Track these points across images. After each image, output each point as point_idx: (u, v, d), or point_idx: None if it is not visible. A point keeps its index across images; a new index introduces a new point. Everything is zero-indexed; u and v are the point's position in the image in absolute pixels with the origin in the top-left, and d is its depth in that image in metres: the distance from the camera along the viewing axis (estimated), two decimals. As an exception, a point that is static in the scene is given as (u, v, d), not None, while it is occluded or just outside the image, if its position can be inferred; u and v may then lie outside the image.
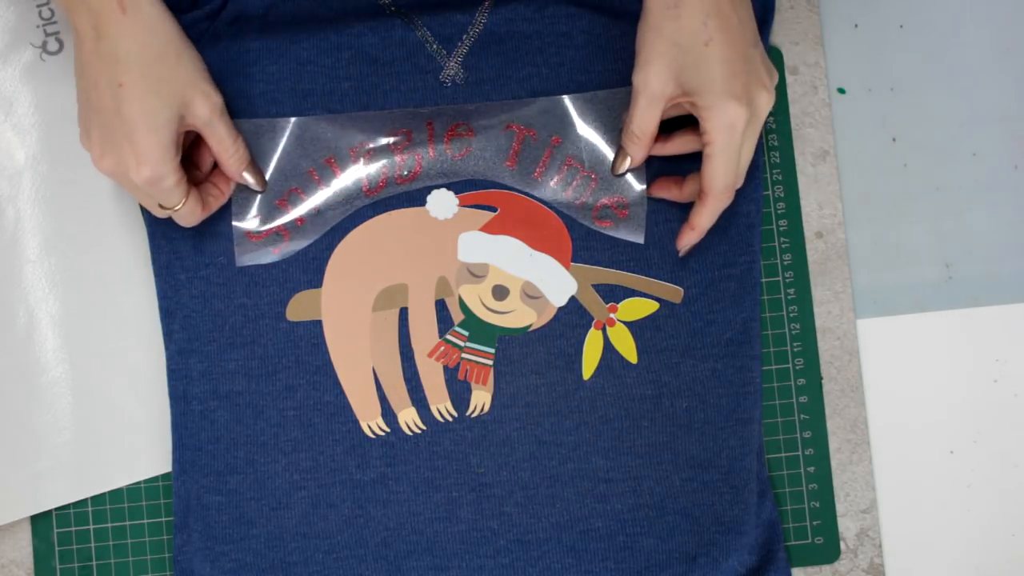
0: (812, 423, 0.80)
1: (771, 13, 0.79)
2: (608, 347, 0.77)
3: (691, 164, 0.73)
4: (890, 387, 0.81)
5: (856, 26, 0.82)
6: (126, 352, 0.79)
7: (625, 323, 0.77)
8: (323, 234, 0.77)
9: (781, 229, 0.81)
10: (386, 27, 0.77)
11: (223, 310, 0.77)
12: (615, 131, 0.76)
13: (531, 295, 0.77)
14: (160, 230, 0.77)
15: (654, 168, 0.77)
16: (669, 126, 0.75)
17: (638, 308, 0.77)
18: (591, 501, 0.77)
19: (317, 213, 0.77)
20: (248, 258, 0.76)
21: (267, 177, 0.76)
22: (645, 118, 0.71)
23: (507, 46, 0.77)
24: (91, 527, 0.78)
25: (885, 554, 0.80)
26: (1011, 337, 0.81)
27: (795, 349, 0.80)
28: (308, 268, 0.77)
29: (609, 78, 0.77)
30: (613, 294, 0.77)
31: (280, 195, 0.76)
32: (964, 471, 0.81)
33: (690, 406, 0.77)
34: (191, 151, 0.74)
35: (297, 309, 0.77)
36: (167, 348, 0.77)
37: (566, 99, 0.76)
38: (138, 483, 0.79)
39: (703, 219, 0.72)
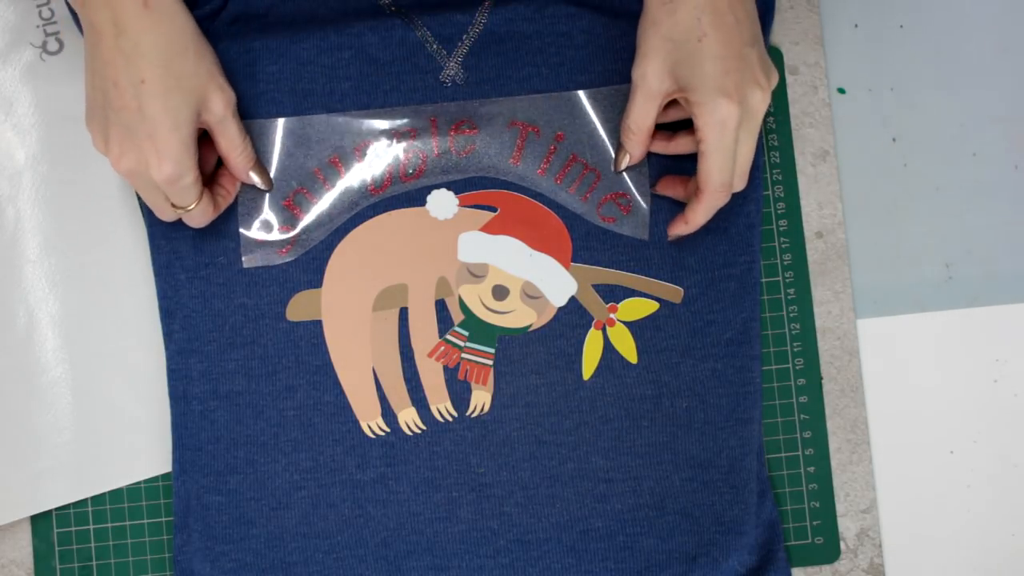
0: (812, 423, 0.80)
1: (771, 13, 0.79)
2: (608, 347, 0.77)
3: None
4: (890, 387, 0.81)
5: (856, 26, 0.82)
6: (126, 352, 0.79)
7: (625, 323, 0.77)
8: (329, 235, 0.77)
9: (781, 229, 0.81)
10: (386, 27, 0.77)
11: (223, 310, 0.77)
12: None
13: (531, 295, 0.77)
14: (160, 230, 0.77)
15: (661, 166, 0.77)
16: (675, 127, 0.75)
17: (638, 308, 0.77)
18: (591, 501, 0.77)
19: (323, 213, 0.77)
20: (254, 259, 0.76)
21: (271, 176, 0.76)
22: (641, 113, 0.71)
23: (507, 46, 0.77)
24: (91, 527, 0.78)
25: (885, 554, 0.80)
26: (1011, 337, 0.81)
27: (795, 349, 0.80)
28: (308, 268, 0.77)
29: (609, 78, 0.77)
30: (613, 294, 0.77)
31: (286, 196, 0.76)
32: (964, 471, 0.81)
33: (690, 406, 0.77)
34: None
35: (297, 309, 0.77)
36: (167, 348, 0.77)
37: (581, 94, 0.76)
38: (138, 483, 0.79)
39: (697, 215, 0.72)
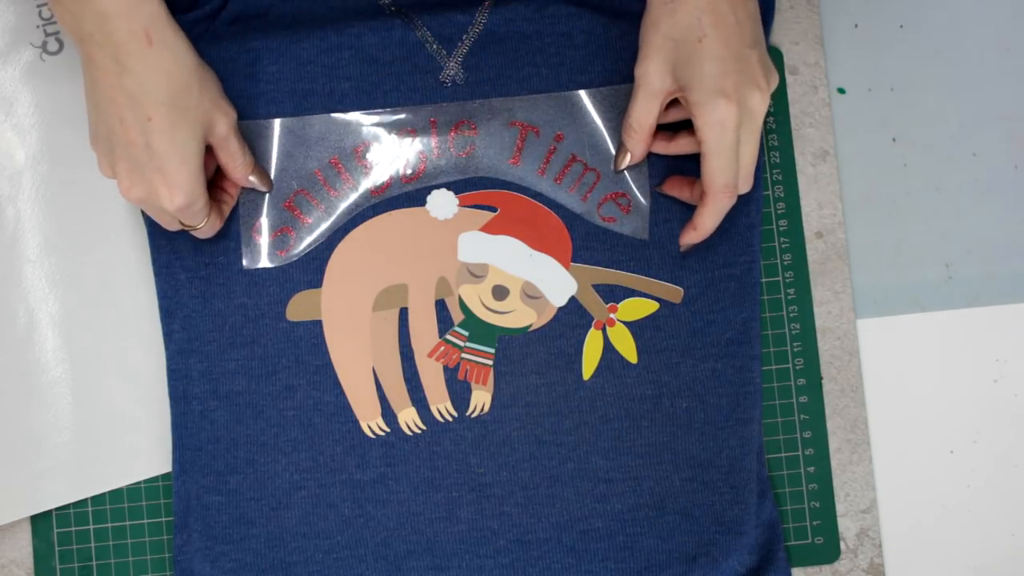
0: (812, 423, 0.80)
1: (771, 13, 0.79)
2: (608, 347, 0.77)
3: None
4: (890, 387, 0.81)
5: (856, 26, 0.82)
6: (126, 352, 0.79)
7: (625, 323, 0.77)
8: (329, 235, 0.77)
9: (781, 229, 0.81)
10: (386, 27, 0.77)
11: (223, 310, 0.77)
12: None
13: (531, 295, 0.77)
14: (160, 230, 0.77)
15: (662, 167, 0.77)
16: (676, 127, 0.75)
17: (638, 308, 0.77)
18: (591, 501, 0.77)
19: (323, 214, 0.77)
20: (254, 259, 0.76)
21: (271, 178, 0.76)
22: (643, 111, 0.71)
23: (507, 46, 0.77)
24: (91, 527, 0.78)
25: (885, 554, 0.80)
26: (1011, 337, 0.81)
27: (795, 349, 0.80)
28: (308, 268, 0.77)
29: (609, 78, 0.77)
30: (613, 294, 0.77)
31: (286, 197, 0.76)
32: (964, 471, 0.81)
33: (690, 406, 0.77)
34: None
35: (297, 309, 0.77)
36: (167, 348, 0.77)
37: (582, 94, 0.76)
38: (138, 483, 0.78)
39: (705, 219, 0.72)
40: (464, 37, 0.77)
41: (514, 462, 0.77)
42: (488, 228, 0.77)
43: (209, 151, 0.72)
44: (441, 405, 0.77)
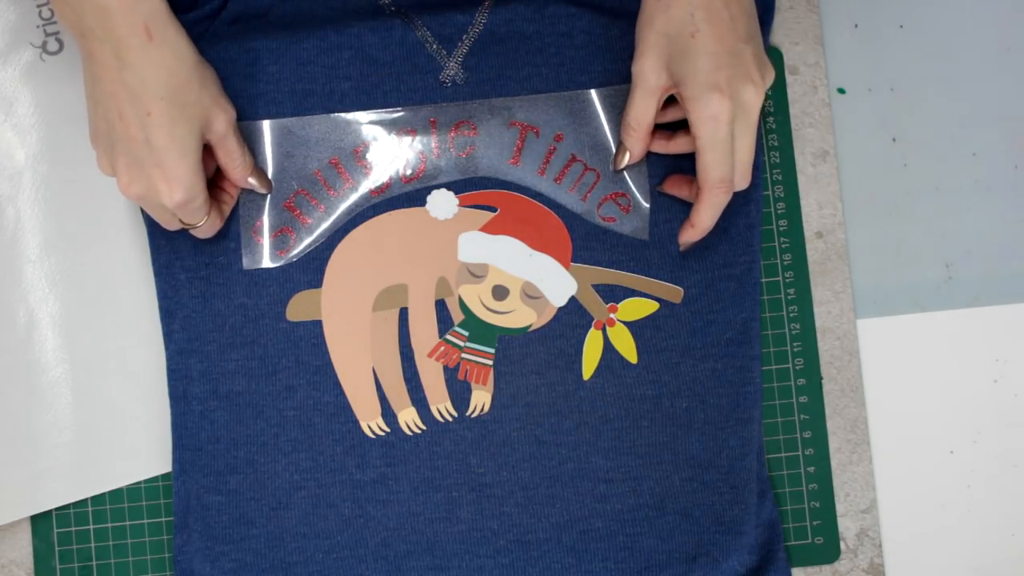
0: (812, 423, 0.80)
1: (771, 13, 0.80)
2: (608, 347, 0.77)
3: None
4: (890, 387, 0.81)
5: (856, 26, 0.82)
6: (126, 352, 0.79)
7: (625, 323, 0.77)
8: (329, 235, 0.77)
9: (781, 229, 0.81)
10: (386, 27, 0.77)
11: (223, 310, 0.77)
12: None
13: (531, 295, 0.77)
14: (160, 230, 0.77)
15: (661, 167, 0.77)
16: (675, 127, 0.75)
17: (638, 308, 0.77)
18: (591, 501, 0.77)
19: (323, 214, 0.77)
20: (254, 260, 0.76)
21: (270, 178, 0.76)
22: (640, 109, 0.71)
23: (507, 46, 0.77)
24: (91, 527, 0.78)
25: (885, 554, 0.80)
26: (1011, 337, 0.81)
27: (795, 349, 0.80)
28: (308, 268, 0.77)
29: (609, 78, 0.77)
30: (613, 294, 0.77)
31: (286, 197, 0.76)
32: (964, 471, 0.81)
33: (690, 406, 0.77)
34: None
35: (297, 309, 0.77)
36: (167, 348, 0.77)
37: (592, 93, 0.76)
38: (138, 483, 0.79)
39: (701, 215, 0.72)
40: (464, 37, 0.77)
41: (514, 462, 0.77)
42: (488, 228, 0.77)
43: (209, 151, 0.72)
44: (441, 405, 0.77)
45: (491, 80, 0.77)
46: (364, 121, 0.77)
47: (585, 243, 0.77)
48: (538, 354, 0.77)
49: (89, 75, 0.68)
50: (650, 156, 0.77)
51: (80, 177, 0.79)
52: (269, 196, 0.76)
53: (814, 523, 0.79)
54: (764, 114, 0.81)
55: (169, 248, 0.77)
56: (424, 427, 0.77)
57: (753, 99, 0.69)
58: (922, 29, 0.82)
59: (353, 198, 0.77)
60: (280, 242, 0.77)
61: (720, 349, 0.77)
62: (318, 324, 0.77)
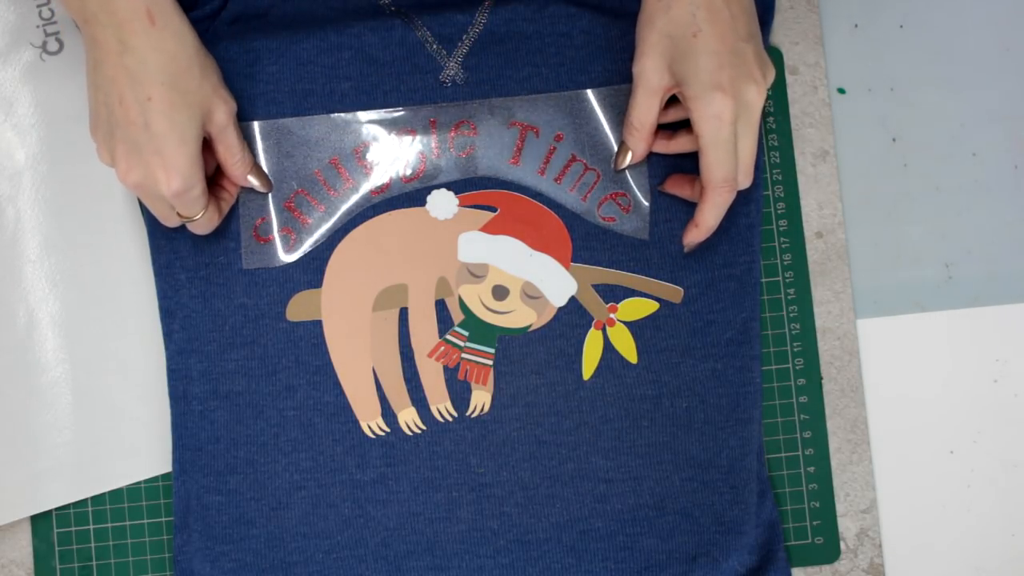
0: (812, 423, 0.80)
1: (771, 13, 0.80)
2: (608, 347, 0.77)
3: None
4: (890, 387, 0.81)
5: (856, 26, 0.82)
6: (126, 352, 0.79)
7: (625, 323, 0.77)
8: (329, 235, 0.77)
9: (781, 229, 0.81)
10: (386, 27, 0.77)
11: (223, 310, 0.77)
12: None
13: (531, 295, 0.77)
14: (160, 230, 0.77)
15: (662, 166, 0.77)
16: (675, 127, 0.75)
17: (638, 308, 0.77)
18: (591, 501, 0.77)
19: (324, 214, 0.77)
20: (255, 260, 0.76)
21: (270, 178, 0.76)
22: (643, 109, 0.71)
23: (507, 46, 0.77)
24: (91, 527, 0.78)
25: (885, 554, 0.80)
26: (1011, 337, 0.81)
27: (795, 349, 0.80)
28: (308, 268, 0.77)
29: (609, 78, 0.77)
30: (613, 294, 0.77)
31: (286, 197, 0.76)
32: (964, 471, 0.81)
33: (690, 406, 0.77)
34: None
35: (297, 309, 0.77)
36: (167, 348, 0.77)
37: (589, 93, 0.76)
38: (138, 483, 0.79)
39: (706, 215, 0.72)
40: (464, 37, 0.77)
41: (514, 462, 0.77)
42: (488, 228, 0.77)
43: (208, 148, 0.72)
44: (441, 405, 0.77)
45: (491, 80, 0.77)
46: (364, 121, 0.77)
47: (585, 243, 0.77)
48: (538, 354, 0.77)
49: (91, 61, 0.68)
50: (650, 156, 0.77)
51: (80, 177, 0.79)
52: (269, 196, 0.76)
53: (814, 523, 0.79)
54: (764, 114, 0.81)
55: (169, 248, 0.77)
56: (424, 427, 0.77)
57: (755, 98, 0.69)
58: (922, 29, 0.82)
59: (353, 198, 0.77)
60: (280, 242, 0.77)
61: (720, 349, 0.77)
62: (318, 324, 0.77)
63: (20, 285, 0.78)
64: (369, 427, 0.77)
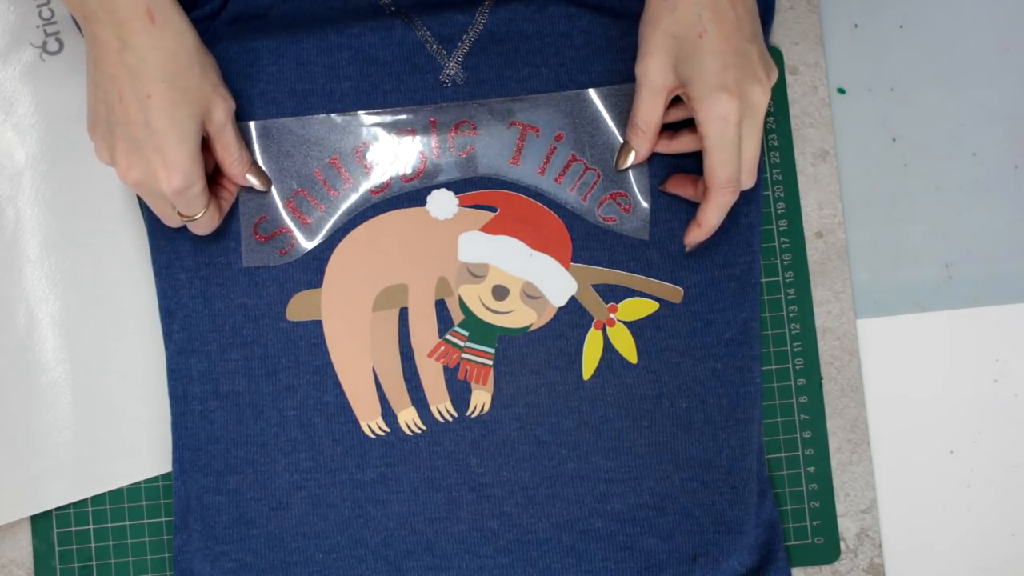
0: (812, 423, 0.80)
1: (771, 13, 0.80)
2: (608, 347, 0.77)
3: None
4: (890, 387, 0.81)
5: (856, 26, 0.82)
6: (126, 352, 0.79)
7: (625, 323, 0.77)
8: (329, 235, 0.77)
9: (781, 229, 0.81)
10: (386, 27, 0.77)
11: (223, 310, 0.77)
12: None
13: (531, 295, 0.77)
14: (160, 230, 0.77)
15: (663, 166, 0.77)
16: (676, 126, 0.75)
17: (638, 308, 0.77)
18: (591, 501, 0.77)
19: (324, 214, 0.77)
20: (255, 260, 0.76)
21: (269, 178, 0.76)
22: (648, 109, 0.71)
23: (507, 46, 0.77)
24: (91, 527, 0.78)
25: (885, 554, 0.80)
26: (1011, 337, 0.81)
27: (795, 349, 0.80)
28: (308, 268, 0.77)
29: (609, 78, 0.77)
30: (613, 294, 0.77)
31: (286, 197, 0.76)
32: (964, 471, 0.81)
33: (690, 406, 0.77)
34: None
35: (297, 309, 0.77)
36: (167, 348, 0.77)
37: (591, 92, 0.76)
38: (138, 483, 0.79)
39: (708, 215, 0.72)
40: (464, 37, 0.77)
41: (514, 462, 0.77)
42: (488, 228, 0.77)
43: (206, 147, 0.72)
44: (441, 405, 0.77)
45: (491, 80, 0.77)
46: (364, 121, 0.77)
47: (585, 243, 0.77)
48: (538, 354, 0.77)
49: (91, 58, 0.68)
50: (651, 156, 0.77)
51: (80, 177, 0.79)
52: (270, 195, 0.76)
53: (814, 523, 0.79)
54: (766, 114, 0.81)
55: (169, 248, 0.77)
56: (424, 427, 0.77)
57: (760, 98, 0.69)
58: (922, 29, 0.82)
59: (353, 198, 0.77)
60: (280, 242, 0.77)
61: (720, 349, 0.77)
62: (318, 324, 0.77)
63: (20, 285, 0.78)
64: (369, 427, 0.77)
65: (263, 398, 0.76)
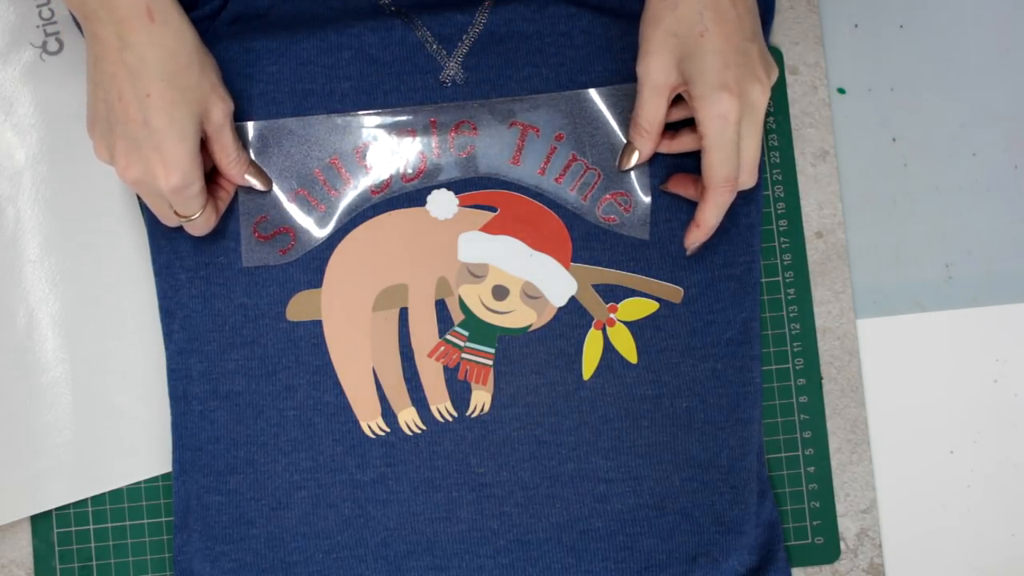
0: (812, 423, 0.80)
1: (771, 13, 0.80)
2: (608, 347, 0.77)
3: None
4: (890, 387, 0.81)
5: (856, 26, 0.82)
6: (126, 352, 0.79)
7: (625, 323, 0.77)
8: (329, 235, 0.77)
9: (781, 229, 0.81)
10: (386, 27, 0.77)
11: (223, 310, 0.77)
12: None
13: (531, 295, 0.77)
14: (160, 230, 0.77)
15: (664, 166, 0.77)
16: (677, 125, 0.75)
17: (638, 308, 0.77)
18: (591, 501, 0.77)
19: (324, 214, 0.77)
20: (255, 259, 0.76)
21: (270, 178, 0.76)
22: (651, 109, 0.71)
23: (507, 46, 0.77)
24: (91, 527, 0.78)
25: (885, 554, 0.80)
26: (1011, 337, 0.81)
27: (795, 349, 0.80)
28: (308, 268, 0.77)
29: (609, 78, 0.77)
30: (613, 294, 0.77)
31: (287, 197, 0.76)
32: (964, 471, 0.81)
33: (690, 406, 0.77)
34: None
35: (297, 309, 0.77)
36: (167, 348, 0.77)
37: (592, 92, 0.76)
38: (138, 483, 0.79)
39: (706, 215, 0.72)
40: (464, 37, 0.77)
41: (514, 462, 0.77)
42: (488, 228, 0.77)
43: (204, 148, 0.72)
44: (441, 405, 0.77)
45: (491, 80, 0.77)
46: (364, 122, 0.77)
47: (585, 243, 0.77)
48: (538, 354, 0.77)
49: (91, 58, 0.68)
50: (653, 156, 0.77)
51: (80, 177, 0.79)
52: (269, 196, 0.76)
53: (814, 523, 0.79)
54: (766, 113, 0.81)
55: (169, 248, 0.77)
56: (424, 427, 0.77)
57: (760, 97, 0.69)
58: (922, 29, 0.82)
59: (353, 198, 0.77)
60: (280, 241, 0.77)
61: (720, 349, 0.77)
62: (318, 324, 0.77)
63: (20, 285, 0.78)
64: (369, 427, 0.77)
65: (263, 398, 0.76)
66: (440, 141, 0.77)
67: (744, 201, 0.77)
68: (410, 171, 0.77)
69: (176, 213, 0.71)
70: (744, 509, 0.77)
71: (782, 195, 0.81)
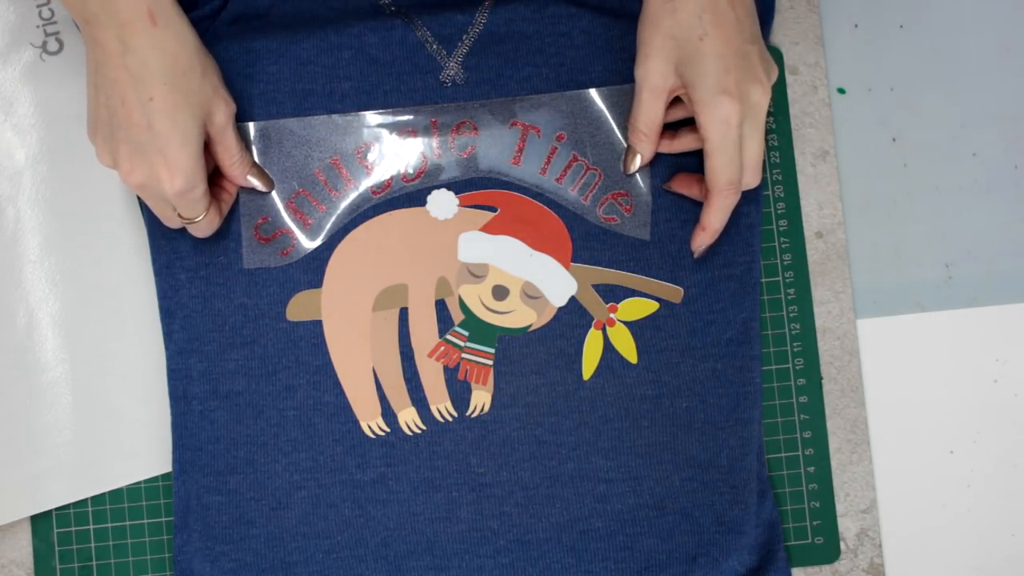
0: (812, 423, 0.80)
1: (771, 13, 0.80)
2: (608, 347, 0.77)
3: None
4: (890, 387, 0.81)
5: (856, 26, 0.82)
6: (126, 352, 0.78)
7: (625, 323, 0.77)
8: (329, 235, 0.77)
9: (781, 229, 0.81)
10: (386, 27, 0.77)
11: (223, 310, 0.77)
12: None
13: (531, 295, 0.77)
14: (160, 230, 0.77)
15: (665, 166, 0.77)
16: (676, 125, 0.75)
17: (638, 308, 0.77)
18: (591, 501, 0.77)
19: (324, 214, 0.77)
20: (256, 260, 0.76)
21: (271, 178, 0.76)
22: (649, 111, 0.71)
23: (507, 46, 0.77)
24: (91, 527, 0.78)
25: (885, 554, 0.80)
26: (1011, 337, 0.81)
27: (795, 349, 0.80)
28: (308, 268, 0.77)
29: (609, 78, 0.77)
30: (613, 294, 0.77)
31: (287, 197, 0.77)
32: (964, 471, 0.81)
33: (690, 406, 0.77)
34: None
35: (297, 309, 0.77)
36: (167, 348, 0.77)
37: (593, 92, 0.76)
38: (138, 483, 0.78)
39: (711, 218, 0.72)
40: (464, 37, 0.77)
41: (514, 462, 0.77)
42: (488, 228, 0.77)
43: (207, 149, 0.72)
44: (441, 405, 0.77)
45: (491, 80, 0.77)
46: (365, 122, 0.77)
47: (585, 243, 0.77)
48: (538, 354, 0.77)
49: (92, 62, 0.68)
50: (660, 156, 0.77)
51: (80, 177, 0.79)
52: (271, 196, 0.76)
53: (814, 523, 0.79)
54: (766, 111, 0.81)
55: (169, 248, 0.77)
56: (424, 427, 0.77)
57: (761, 99, 0.69)
58: (922, 29, 0.82)
59: (354, 198, 0.77)
60: (281, 243, 0.77)
61: (720, 349, 0.77)
62: (318, 324, 0.77)
63: (20, 285, 0.78)
64: (369, 427, 0.77)
65: (263, 398, 0.76)
66: (441, 141, 0.77)
67: (744, 201, 0.77)
68: (411, 171, 0.77)
69: (180, 215, 0.71)
70: (744, 509, 0.77)
71: (782, 195, 0.81)
